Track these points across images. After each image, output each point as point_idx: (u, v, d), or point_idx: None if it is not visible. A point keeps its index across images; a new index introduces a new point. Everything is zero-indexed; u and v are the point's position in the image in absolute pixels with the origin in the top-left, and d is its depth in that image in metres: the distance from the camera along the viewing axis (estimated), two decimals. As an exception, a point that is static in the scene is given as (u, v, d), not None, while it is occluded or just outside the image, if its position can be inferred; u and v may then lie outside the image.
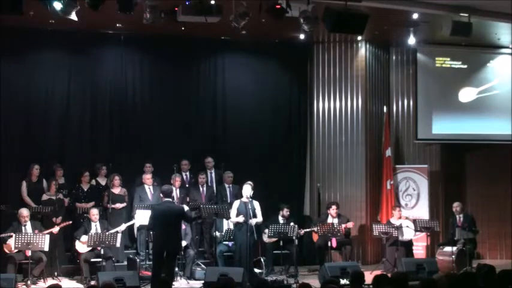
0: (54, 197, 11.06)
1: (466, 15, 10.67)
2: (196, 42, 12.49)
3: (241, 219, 10.34)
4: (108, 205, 11.38)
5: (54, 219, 10.92)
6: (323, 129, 13.20)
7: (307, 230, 11.88)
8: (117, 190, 11.60)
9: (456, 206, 12.28)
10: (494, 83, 13.67)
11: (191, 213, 11.11)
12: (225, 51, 13.05)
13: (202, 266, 11.10)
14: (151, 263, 10.08)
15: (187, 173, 12.24)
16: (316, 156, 13.21)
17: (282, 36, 12.52)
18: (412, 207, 13.08)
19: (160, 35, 11.98)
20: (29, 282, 10.04)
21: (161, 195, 9.85)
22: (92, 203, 11.40)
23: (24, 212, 10.51)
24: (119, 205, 11.49)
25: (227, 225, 11.33)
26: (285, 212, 11.82)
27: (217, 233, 11.17)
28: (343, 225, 11.56)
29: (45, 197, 11.19)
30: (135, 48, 12.60)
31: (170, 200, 9.58)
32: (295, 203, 13.09)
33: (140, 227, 11.19)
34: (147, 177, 11.67)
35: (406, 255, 11.64)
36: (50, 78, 12.11)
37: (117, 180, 11.58)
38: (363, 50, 13.06)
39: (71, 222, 10.92)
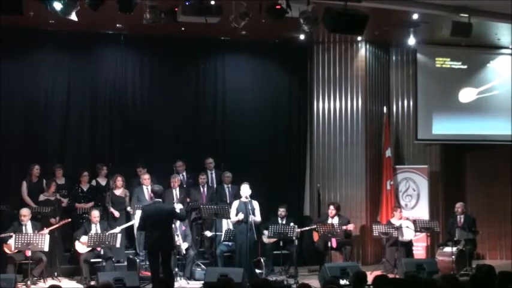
0: (52, 198, 11.06)
1: (466, 15, 10.66)
2: (196, 42, 12.48)
3: (240, 216, 10.38)
4: (111, 209, 11.36)
5: (52, 219, 10.90)
6: (323, 129, 13.19)
7: (306, 228, 11.88)
8: (118, 191, 11.57)
9: (458, 206, 12.27)
10: (494, 84, 13.66)
11: (184, 212, 11.09)
12: (225, 51, 13.04)
13: (202, 266, 11.11)
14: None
15: (184, 173, 12.23)
16: (316, 156, 13.20)
17: (282, 37, 12.51)
18: (412, 208, 13.07)
19: (160, 35, 11.97)
20: (28, 282, 10.04)
21: (152, 194, 9.84)
22: (91, 203, 11.40)
23: (24, 211, 10.50)
24: (117, 214, 11.41)
25: (226, 225, 11.33)
26: (281, 211, 11.81)
27: (217, 233, 11.19)
28: (344, 227, 11.56)
29: (42, 197, 11.14)
30: (135, 48, 12.60)
31: (160, 200, 9.55)
32: (295, 203, 13.11)
33: (140, 227, 11.18)
34: (145, 178, 11.64)
35: (406, 255, 11.64)
36: (50, 78, 12.13)
37: (119, 181, 11.55)
38: (363, 50, 13.05)
39: (70, 219, 10.90)
